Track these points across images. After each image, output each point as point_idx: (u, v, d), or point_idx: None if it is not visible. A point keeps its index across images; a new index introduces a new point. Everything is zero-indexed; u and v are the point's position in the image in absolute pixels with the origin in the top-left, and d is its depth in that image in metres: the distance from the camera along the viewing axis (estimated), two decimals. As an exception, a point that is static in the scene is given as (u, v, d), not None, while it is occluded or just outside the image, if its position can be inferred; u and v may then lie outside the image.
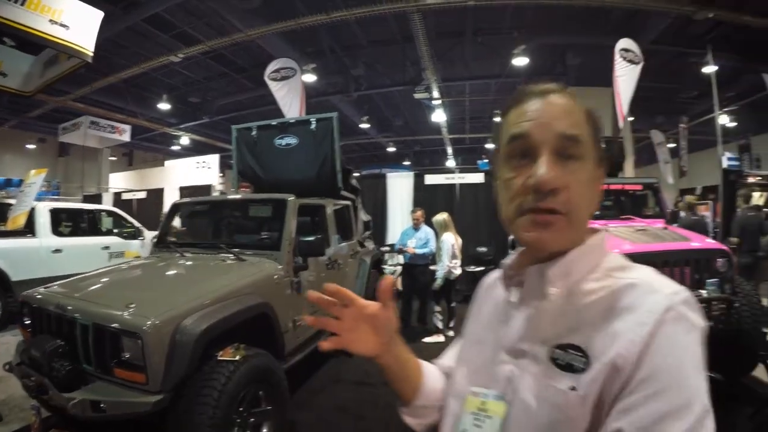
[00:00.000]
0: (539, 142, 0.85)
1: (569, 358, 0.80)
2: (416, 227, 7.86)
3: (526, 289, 0.93)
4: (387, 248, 10.17)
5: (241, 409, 3.26)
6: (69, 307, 3.42)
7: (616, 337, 0.76)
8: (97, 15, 7.23)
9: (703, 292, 4.74)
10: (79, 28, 6.93)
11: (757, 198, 11.41)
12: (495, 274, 1.12)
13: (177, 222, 6.01)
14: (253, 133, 6.46)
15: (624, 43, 11.67)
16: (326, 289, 1.01)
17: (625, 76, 11.63)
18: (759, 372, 4.84)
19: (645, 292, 0.79)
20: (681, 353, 0.73)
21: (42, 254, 8.41)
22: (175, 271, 4.47)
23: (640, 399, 0.70)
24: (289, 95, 13.01)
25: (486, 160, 20.41)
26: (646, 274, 0.85)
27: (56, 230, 8.97)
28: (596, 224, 4.48)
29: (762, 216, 8.47)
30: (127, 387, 3.10)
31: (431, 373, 1.16)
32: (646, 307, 0.76)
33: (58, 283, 4.07)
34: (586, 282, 0.86)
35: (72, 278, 4.26)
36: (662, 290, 0.78)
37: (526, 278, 0.93)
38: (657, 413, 0.68)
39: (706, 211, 13.85)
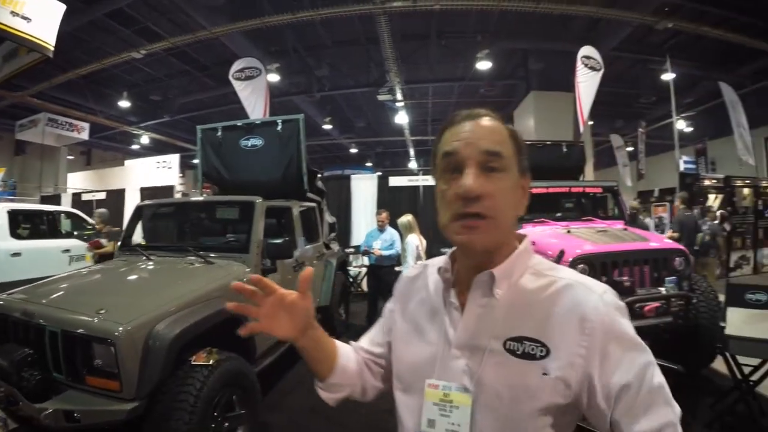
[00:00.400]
0: (466, 158, 1.00)
1: (527, 348, 0.97)
2: (381, 229, 7.91)
3: (473, 291, 1.06)
4: (351, 250, 10.21)
5: (215, 413, 3.24)
6: (36, 314, 3.34)
7: (570, 330, 0.95)
8: (59, 8, 7.08)
9: (663, 290, 4.94)
10: (41, 20, 6.78)
11: (713, 200, 11.82)
12: (415, 271, 1.29)
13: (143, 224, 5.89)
14: (219, 133, 6.40)
15: (586, 50, 12.00)
16: (250, 279, 1.12)
17: (587, 83, 11.94)
18: (717, 364, 5.04)
19: (584, 292, 0.98)
20: (627, 329, 0.96)
21: (0, 258, 8.17)
22: (143, 276, 4.38)
23: (624, 366, 0.92)
24: (253, 95, 12.95)
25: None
26: (573, 273, 1.06)
27: (15, 233, 8.71)
28: (559, 225, 4.66)
29: (696, 216, 9.31)
30: (100, 395, 3.04)
31: (345, 354, 1.29)
32: (590, 305, 0.96)
33: (21, 288, 3.96)
34: (524, 281, 1.04)
35: (36, 283, 4.14)
36: (595, 290, 0.99)
37: (474, 282, 1.05)
38: (640, 366, 0.92)
39: (663, 213, 14.23)
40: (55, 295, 3.74)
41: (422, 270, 1.25)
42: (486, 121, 1.05)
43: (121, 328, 2.99)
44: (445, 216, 1.02)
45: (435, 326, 1.11)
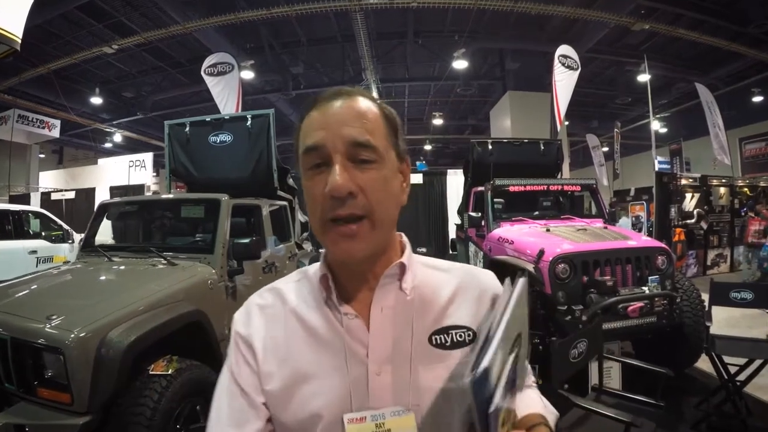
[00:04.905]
0: (331, 151, 0.85)
1: (454, 337, 0.92)
2: (358, 228, 7.76)
3: (379, 290, 0.92)
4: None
5: (178, 426, 3.03)
6: None
7: (484, 309, 0.96)
8: (26, -1, 6.84)
9: (645, 289, 4.80)
10: (8, 12, 6.51)
11: (689, 199, 11.92)
12: (261, 300, 1.00)
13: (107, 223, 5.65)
14: (186, 129, 6.17)
15: (563, 49, 12.15)
16: None
17: (564, 81, 12.07)
18: (702, 364, 5.01)
19: (484, 276, 1.03)
20: None
21: (-39, 259, 7.83)
22: (101, 278, 4.17)
23: None
24: (225, 91, 12.83)
25: (424, 162, 20.70)
26: (460, 264, 1.08)
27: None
28: (537, 224, 4.54)
29: None
30: (52, 408, 2.84)
31: None
32: (492, 285, 1.01)
33: None
34: (423, 275, 0.98)
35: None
36: (489, 274, 1.05)
37: (383, 278, 0.92)
38: None
39: (641, 211, 14.31)
40: (7, 300, 3.49)
41: (274, 296, 1.00)
42: (353, 103, 0.89)
43: (71, 336, 2.78)
44: (315, 219, 0.88)
45: (327, 351, 0.91)
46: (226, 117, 6.62)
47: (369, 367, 0.88)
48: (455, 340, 0.92)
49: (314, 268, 0.99)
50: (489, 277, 1.04)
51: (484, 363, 0.70)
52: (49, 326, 2.89)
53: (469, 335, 0.93)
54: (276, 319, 0.96)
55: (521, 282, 0.86)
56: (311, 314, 0.94)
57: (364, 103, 0.90)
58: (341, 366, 0.89)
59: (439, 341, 0.92)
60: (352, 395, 0.87)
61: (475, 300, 0.97)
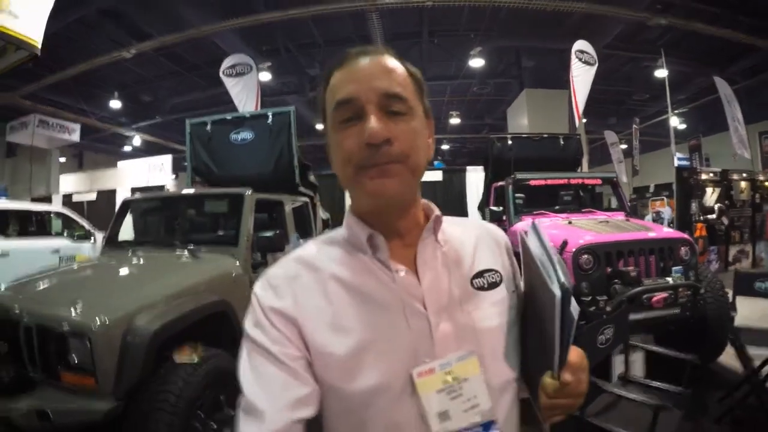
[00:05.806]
0: (365, 102, 0.87)
1: (488, 279, 1.00)
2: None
3: (423, 241, 0.96)
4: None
5: (202, 414, 3.04)
6: (11, 307, 3.19)
7: (502, 255, 1.08)
8: (46, 4, 6.90)
9: (669, 279, 4.74)
10: (29, 17, 6.57)
11: (710, 194, 11.77)
12: (286, 271, 0.96)
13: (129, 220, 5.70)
14: (208, 127, 6.21)
15: (580, 44, 12.07)
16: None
17: (581, 77, 11.98)
18: (725, 357, 4.93)
19: (495, 229, 1.14)
20: None
21: (-13, 258, 7.93)
22: (126, 270, 4.20)
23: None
24: (243, 92, 12.93)
25: (441, 161, 20.68)
26: (470, 219, 1.24)
27: (2, 232, 8.54)
28: (559, 217, 4.48)
29: None
30: (76, 393, 2.87)
31: None
32: (504, 236, 1.13)
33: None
34: (447, 228, 1.02)
35: (17, 279, 3.94)
36: (495, 227, 1.16)
37: (422, 239, 0.96)
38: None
39: (662, 207, 14.19)
40: (33, 290, 3.58)
41: (299, 265, 0.96)
42: (380, 59, 0.92)
43: (98, 322, 2.82)
44: (348, 170, 0.88)
45: (383, 311, 0.89)
46: (246, 115, 6.67)
47: (430, 318, 0.90)
48: (490, 281, 1.00)
49: (341, 233, 1.01)
50: (497, 228, 1.15)
51: (563, 279, 0.81)
52: (75, 313, 2.93)
53: (498, 276, 1.02)
54: (310, 288, 0.92)
55: (534, 225, 1.02)
56: (356, 277, 0.92)
57: (390, 60, 0.92)
58: (401, 323, 0.89)
59: (479, 284, 0.98)
60: (418, 350, 0.87)
61: (493, 247, 1.07)
